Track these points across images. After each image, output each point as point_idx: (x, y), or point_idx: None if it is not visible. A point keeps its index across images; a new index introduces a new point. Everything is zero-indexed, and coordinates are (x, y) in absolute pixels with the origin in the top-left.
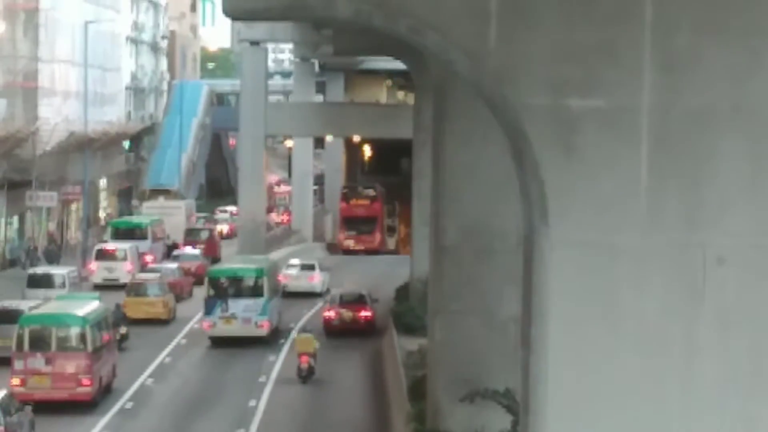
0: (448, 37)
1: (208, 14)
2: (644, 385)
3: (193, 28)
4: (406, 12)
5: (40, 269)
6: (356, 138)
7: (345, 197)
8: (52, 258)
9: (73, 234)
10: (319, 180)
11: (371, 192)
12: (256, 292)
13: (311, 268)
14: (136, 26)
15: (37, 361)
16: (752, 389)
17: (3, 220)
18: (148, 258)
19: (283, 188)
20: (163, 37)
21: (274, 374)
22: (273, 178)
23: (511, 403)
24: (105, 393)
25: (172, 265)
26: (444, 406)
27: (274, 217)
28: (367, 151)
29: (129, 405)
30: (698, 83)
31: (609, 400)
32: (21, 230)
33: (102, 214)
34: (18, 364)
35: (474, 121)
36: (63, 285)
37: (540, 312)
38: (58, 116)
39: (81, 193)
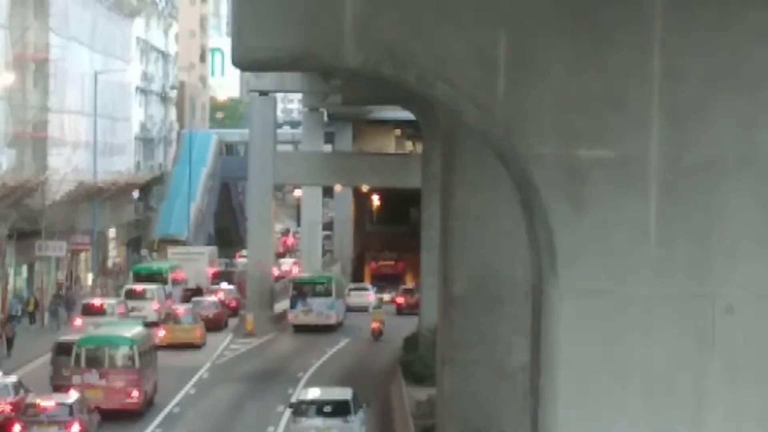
0: (456, 88)
1: (218, 65)
2: None
3: (203, 79)
4: (414, 62)
5: (96, 300)
6: (365, 187)
7: (374, 259)
8: (70, 303)
9: (83, 283)
10: (327, 227)
11: (395, 255)
12: (326, 293)
13: (367, 289)
14: (146, 76)
15: (92, 376)
16: None
17: (12, 269)
18: (167, 302)
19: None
20: (172, 88)
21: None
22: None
23: None
24: (148, 405)
25: (212, 299)
26: None
27: (293, 265)
28: (376, 200)
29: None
30: (707, 133)
31: None
32: (30, 280)
33: (110, 264)
34: (76, 379)
35: (482, 170)
36: (113, 314)
37: (549, 361)
38: (67, 166)
39: (90, 242)
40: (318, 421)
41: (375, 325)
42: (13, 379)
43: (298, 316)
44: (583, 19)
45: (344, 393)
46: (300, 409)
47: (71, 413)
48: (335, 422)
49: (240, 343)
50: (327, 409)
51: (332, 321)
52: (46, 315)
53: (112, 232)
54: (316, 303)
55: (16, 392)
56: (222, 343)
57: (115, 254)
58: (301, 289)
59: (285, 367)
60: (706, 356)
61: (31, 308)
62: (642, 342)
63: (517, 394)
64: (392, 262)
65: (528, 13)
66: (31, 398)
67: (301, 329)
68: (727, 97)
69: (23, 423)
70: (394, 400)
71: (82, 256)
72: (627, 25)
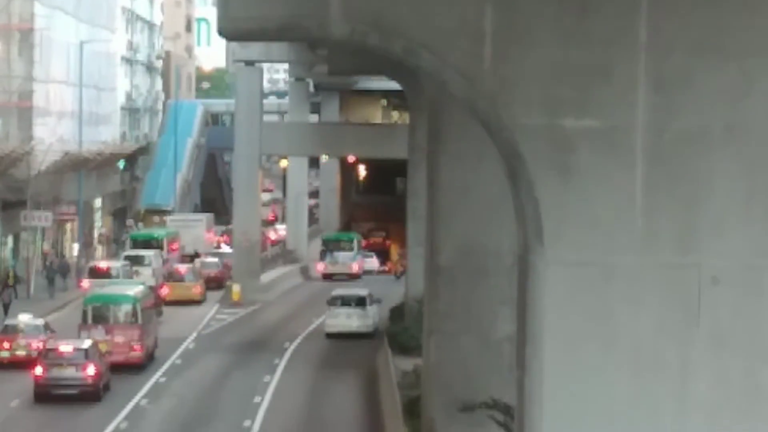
0: (442, 58)
1: (204, 34)
2: (639, 404)
3: (188, 48)
4: (400, 32)
5: (102, 263)
6: (351, 158)
7: (366, 236)
8: (64, 271)
9: (69, 252)
10: (314, 195)
11: (383, 233)
12: (350, 248)
13: (371, 256)
14: (131, 46)
15: (99, 332)
16: (747, 409)
17: None
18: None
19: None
20: (158, 57)
21: None
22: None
23: (506, 420)
24: (150, 359)
25: (214, 259)
26: (439, 426)
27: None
28: (362, 170)
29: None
30: (692, 104)
31: (604, 419)
32: (15, 250)
33: (96, 234)
34: (83, 335)
35: (469, 141)
36: (118, 275)
37: (535, 332)
38: (52, 136)
39: (76, 213)
40: (345, 309)
41: (400, 268)
42: (41, 321)
43: (326, 267)
44: None
45: (363, 291)
46: (334, 302)
47: (87, 356)
48: (356, 310)
49: (226, 313)
50: (351, 302)
51: (354, 270)
52: (32, 284)
53: (97, 203)
54: (342, 256)
55: (45, 332)
56: (208, 314)
57: (100, 224)
58: (329, 245)
59: (272, 337)
60: (692, 326)
61: (11, 281)
62: (628, 312)
63: (502, 365)
64: (381, 239)
65: None
66: (51, 343)
67: (328, 277)
68: (713, 67)
69: (45, 365)
70: (381, 370)
71: (68, 226)
72: None
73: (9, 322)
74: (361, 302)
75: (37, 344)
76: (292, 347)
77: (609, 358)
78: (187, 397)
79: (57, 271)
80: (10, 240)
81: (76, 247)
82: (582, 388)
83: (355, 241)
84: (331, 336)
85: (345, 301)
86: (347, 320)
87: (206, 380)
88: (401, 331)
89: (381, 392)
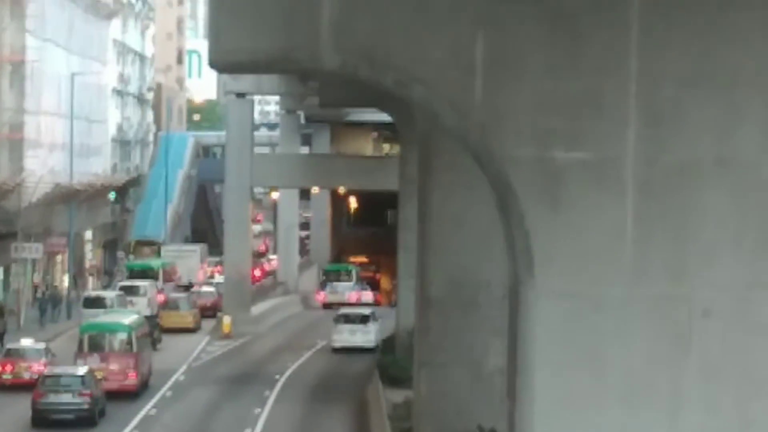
0: (433, 90)
1: (195, 66)
2: None
3: (180, 80)
4: (392, 65)
5: (94, 293)
6: (342, 189)
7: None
8: (56, 302)
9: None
10: (305, 227)
11: (374, 267)
12: (349, 278)
13: (366, 289)
14: (123, 78)
15: (94, 360)
16: None
17: None
18: (159, 297)
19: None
20: (149, 89)
21: None
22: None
23: None
24: (144, 387)
25: (210, 289)
26: None
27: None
28: (353, 202)
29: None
30: (683, 135)
31: None
32: (6, 282)
33: (87, 266)
34: (79, 362)
35: (459, 172)
36: (112, 305)
37: (525, 363)
38: (43, 168)
39: (66, 244)
40: (349, 326)
41: (394, 296)
42: (42, 345)
43: (326, 297)
44: (560, 21)
45: (366, 310)
46: (339, 319)
47: (83, 383)
48: (359, 326)
49: (217, 345)
50: (355, 319)
51: (353, 300)
52: (23, 316)
53: (88, 234)
54: (341, 286)
55: (46, 356)
56: (199, 345)
57: (91, 256)
58: (329, 275)
59: (262, 369)
60: (683, 357)
61: None
62: (619, 343)
63: (494, 396)
64: (372, 274)
65: (506, 14)
66: (48, 370)
67: (327, 306)
68: (704, 98)
69: (41, 392)
70: (371, 402)
71: (59, 257)
72: (604, 28)
73: (11, 346)
74: (364, 320)
75: (38, 367)
76: (283, 379)
77: (600, 388)
78: (178, 429)
79: (48, 301)
80: (0, 272)
81: (66, 278)
82: (573, 419)
83: (354, 273)
84: (336, 351)
85: (349, 319)
86: (351, 336)
87: (197, 412)
88: (392, 362)
89: (372, 424)
